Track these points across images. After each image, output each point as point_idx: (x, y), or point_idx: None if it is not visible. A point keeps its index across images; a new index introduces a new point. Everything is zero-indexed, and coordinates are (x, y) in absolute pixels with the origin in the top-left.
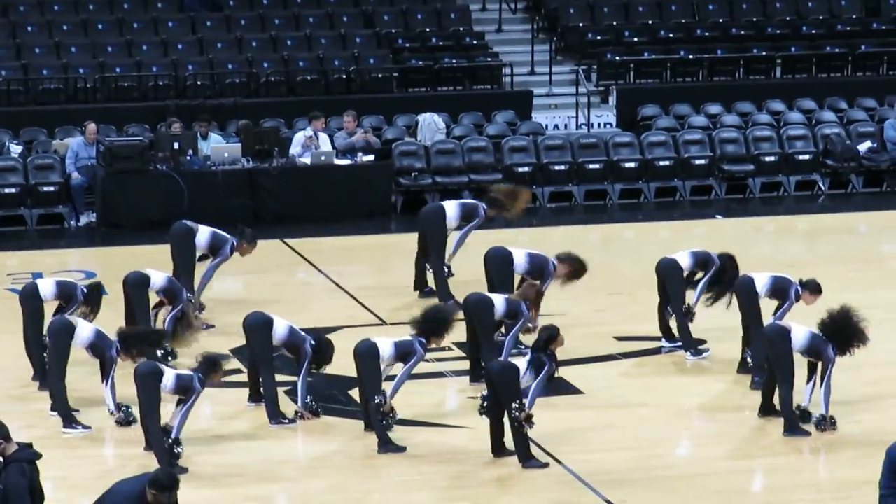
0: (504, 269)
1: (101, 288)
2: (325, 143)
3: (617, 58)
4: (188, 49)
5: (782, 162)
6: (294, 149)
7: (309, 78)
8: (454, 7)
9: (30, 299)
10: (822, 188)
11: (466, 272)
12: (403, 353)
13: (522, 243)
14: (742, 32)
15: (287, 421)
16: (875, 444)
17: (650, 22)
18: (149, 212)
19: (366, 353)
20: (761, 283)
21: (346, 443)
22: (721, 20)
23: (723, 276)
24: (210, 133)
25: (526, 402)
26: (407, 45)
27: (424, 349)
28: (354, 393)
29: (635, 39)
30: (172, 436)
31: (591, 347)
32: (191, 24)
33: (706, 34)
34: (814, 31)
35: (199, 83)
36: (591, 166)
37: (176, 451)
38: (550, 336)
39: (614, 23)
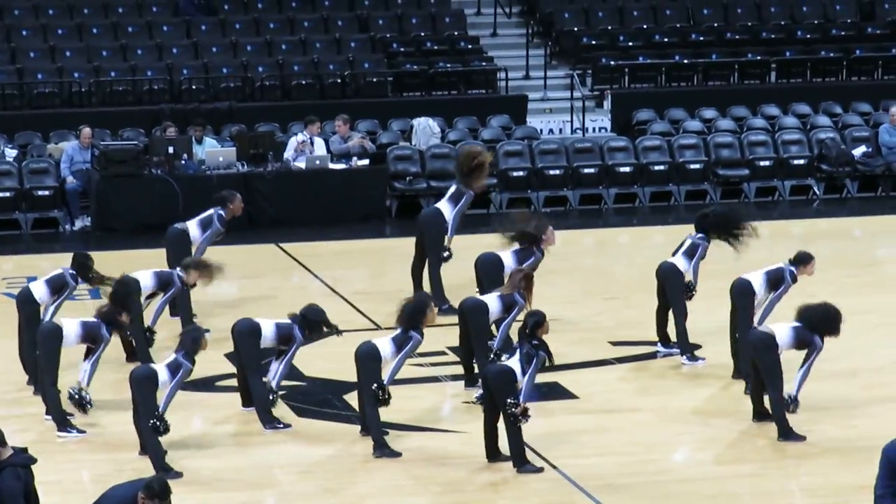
0: (495, 275)
1: (87, 259)
2: (320, 148)
3: (612, 62)
4: (183, 53)
5: (777, 166)
6: (289, 153)
7: (304, 82)
8: (449, 11)
9: (25, 303)
10: (817, 193)
11: (460, 276)
12: (400, 344)
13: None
14: (737, 37)
15: (282, 425)
16: (871, 448)
17: (645, 26)
18: (143, 216)
19: (366, 356)
20: (758, 282)
21: (340, 447)
22: (716, 25)
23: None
24: (205, 137)
25: (521, 396)
26: (402, 49)
27: (421, 335)
28: (348, 398)
29: (630, 44)
30: (160, 410)
31: (586, 352)
32: (185, 28)
33: (701, 39)
34: (808, 36)
35: (193, 87)
36: (586, 171)
37: (162, 429)
38: (537, 322)
39: (609, 27)
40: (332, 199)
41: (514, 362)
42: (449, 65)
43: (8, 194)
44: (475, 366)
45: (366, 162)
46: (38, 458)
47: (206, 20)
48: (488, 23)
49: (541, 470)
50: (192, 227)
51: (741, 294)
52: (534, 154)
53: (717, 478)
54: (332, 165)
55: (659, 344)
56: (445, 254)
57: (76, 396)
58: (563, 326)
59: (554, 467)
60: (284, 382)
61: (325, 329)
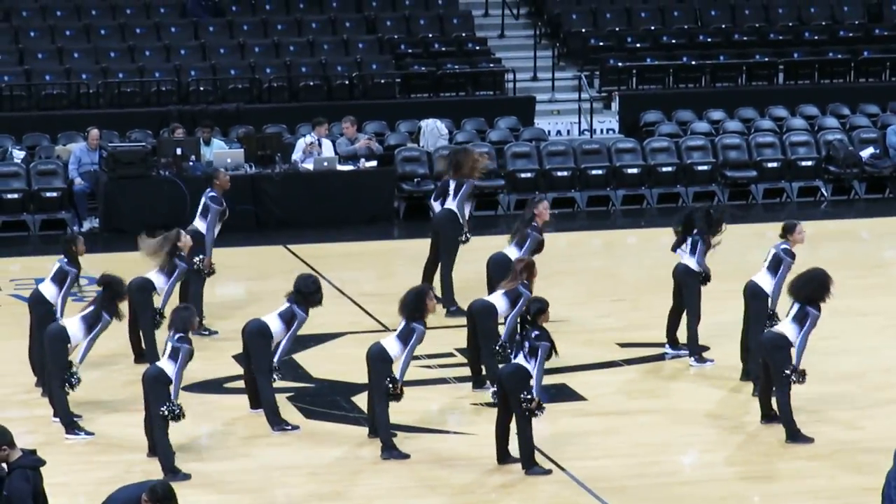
0: (505, 275)
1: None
2: (327, 150)
3: (619, 64)
4: (191, 54)
5: (785, 168)
6: (296, 155)
7: (311, 84)
8: (457, 13)
9: (37, 304)
10: (825, 194)
11: (468, 277)
12: (405, 338)
13: None
14: (744, 38)
15: (290, 427)
16: (878, 450)
17: (652, 28)
18: (151, 217)
19: (376, 357)
20: (765, 281)
21: (348, 449)
22: (723, 26)
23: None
24: (213, 139)
25: (532, 390)
26: (409, 50)
27: (423, 325)
28: (357, 399)
29: (638, 45)
30: (172, 398)
31: (594, 354)
32: (193, 30)
33: (709, 40)
34: (816, 38)
35: (201, 89)
36: (594, 172)
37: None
38: (540, 309)
39: (617, 29)
40: (339, 201)
41: (521, 360)
42: (457, 66)
43: (16, 196)
44: (483, 368)
45: (374, 163)
46: (46, 460)
47: (214, 21)
48: (496, 24)
49: (549, 472)
50: (198, 222)
51: (754, 296)
52: (541, 155)
53: (725, 480)
54: (339, 167)
55: (667, 346)
56: (463, 238)
57: (69, 373)
58: (570, 328)
59: (562, 469)
60: (293, 384)
61: (319, 295)
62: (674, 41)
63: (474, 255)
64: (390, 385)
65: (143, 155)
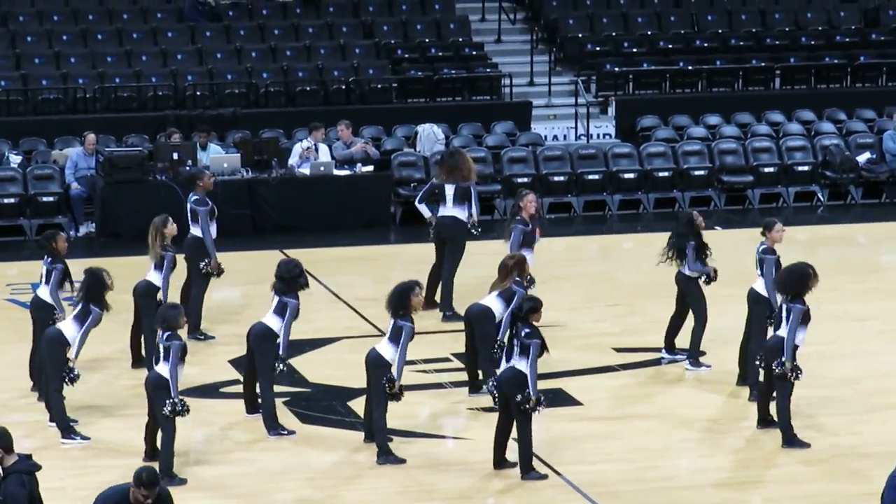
0: None
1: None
2: (324, 154)
3: (616, 69)
4: (187, 59)
5: (781, 173)
6: (293, 159)
7: (308, 88)
8: (453, 18)
9: (38, 310)
10: (822, 199)
11: (466, 282)
12: (395, 337)
13: None
14: (741, 43)
15: (286, 432)
16: (874, 455)
17: (649, 33)
18: (148, 222)
19: (375, 363)
20: (762, 286)
21: (344, 454)
22: (720, 31)
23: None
24: (209, 143)
25: (529, 390)
26: (406, 55)
27: (411, 321)
28: (353, 404)
29: (634, 50)
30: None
31: (590, 358)
32: (190, 35)
33: (705, 45)
34: (813, 42)
35: (198, 93)
36: (591, 177)
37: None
38: (533, 308)
39: (613, 34)
40: (336, 206)
41: (516, 362)
42: (453, 71)
43: (12, 200)
44: (479, 373)
45: (370, 168)
46: (42, 465)
47: (211, 26)
48: (493, 29)
49: (545, 477)
50: (194, 229)
51: (755, 302)
52: (538, 160)
53: (721, 485)
54: (336, 172)
55: (664, 350)
56: (475, 231)
57: (66, 369)
58: (567, 332)
59: (558, 474)
60: (289, 389)
61: (303, 278)
62: (670, 46)
63: (471, 260)
64: (387, 385)
65: (139, 160)
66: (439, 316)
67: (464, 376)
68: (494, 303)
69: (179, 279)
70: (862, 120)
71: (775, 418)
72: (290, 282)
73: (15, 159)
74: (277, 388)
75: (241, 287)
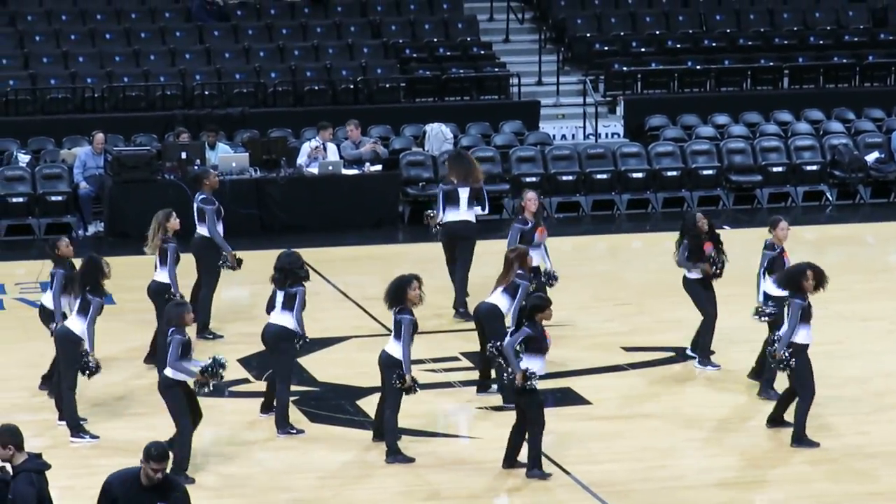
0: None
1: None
2: (332, 154)
3: (624, 68)
4: (196, 59)
5: (790, 172)
6: (301, 159)
7: (316, 88)
8: (462, 17)
9: (42, 314)
10: (830, 199)
11: (474, 281)
12: (397, 332)
13: None
14: (749, 43)
15: (294, 431)
16: (881, 455)
17: (657, 32)
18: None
19: (386, 363)
20: (772, 287)
21: (353, 453)
22: (728, 31)
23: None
24: (217, 143)
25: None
26: (414, 55)
27: (410, 314)
28: (361, 403)
29: (643, 50)
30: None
31: (599, 358)
32: (198, 34)
33: (713, 45)
34: (821, 42)
35: (206, 93)
36: (599, 176)
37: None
38: (536, 305)
39: (622, 33)
40: (344, 205)
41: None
42: (461, 70)
43: (21, 199)
44: (493, 372)
45: (378, 168)
46: (51, 464)
47: (219, 26)
48: (501, 28)
49: (548, 476)
50: (201, 228)
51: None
52: (546, 160)
53: (729, 484)
54: (344, 171)
55: (689, 349)
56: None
57: (83, 361)
58: (575, 332)
59: (567, 473)
60: (297, 388)
61: (303, 270)
62: (679, 46)
63: (479, 260)
64: (397, 381)
65: (147, 159)
66: (447, 315)
67: (472, 375)
68: (500, 299)
69: (189, 279)
70: (870, 119)
71: (787, 419)
72: (291, 273)
73: (23, 158)
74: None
75: (250, 286)
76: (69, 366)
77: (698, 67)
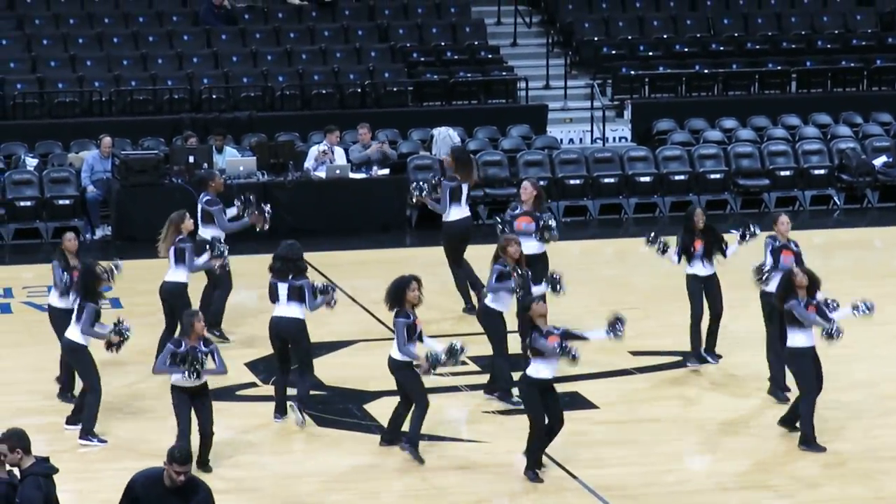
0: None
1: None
2: (340, 157)
3: (632, 72)
4: (203, 62)
5: (797, 176)
6: (309, 163)
7: (324, 92)
8: (469, 21)
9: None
10: (838, 203)
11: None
12: (397, 332)
13: None
14: (757, 47)
15: (303, 420)
16: (889, 459)
17: (665, 36)
18: (163, 225)
19: (394, 366)
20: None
21: (360, 457)
22: (736, 35)
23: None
24: (225, 146)
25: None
26: (422, 59)
27: (405, 317)
28: (368, 407)
29: (650, 54)
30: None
31: (606, 362)
32: (206, 38)
33: (721, 48)
34: (829, 46)
35: (214, 97)
36: (606, 180)
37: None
38: (524, 307)
39: (629, 37)
40: (351, 209)
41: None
42: (469, 74)
43: (29, 203)
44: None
45: (386, 171)
46: (59, 468)
47: (227, 30)
48: (508, 32)
49: (541, 481)
50: (203, 230)
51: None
52: (554, 163)
53: (736, 488)
54: (352, 175)
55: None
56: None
57: (116, 327)
58: None
59: (574, 477)
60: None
61: (302, 262)
62: (686, 50)
63: (481, 264)
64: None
65: (155, 163)
66: (454, 319)
67: (479, 379)
68: (489, 296)
69: (199, 282)
70: (878, 123)
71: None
72: (292, 263)
73: (31, 162)
74: (292, 391)
75: (256, 290)
76: (85, 374)
77: (706, 71)
